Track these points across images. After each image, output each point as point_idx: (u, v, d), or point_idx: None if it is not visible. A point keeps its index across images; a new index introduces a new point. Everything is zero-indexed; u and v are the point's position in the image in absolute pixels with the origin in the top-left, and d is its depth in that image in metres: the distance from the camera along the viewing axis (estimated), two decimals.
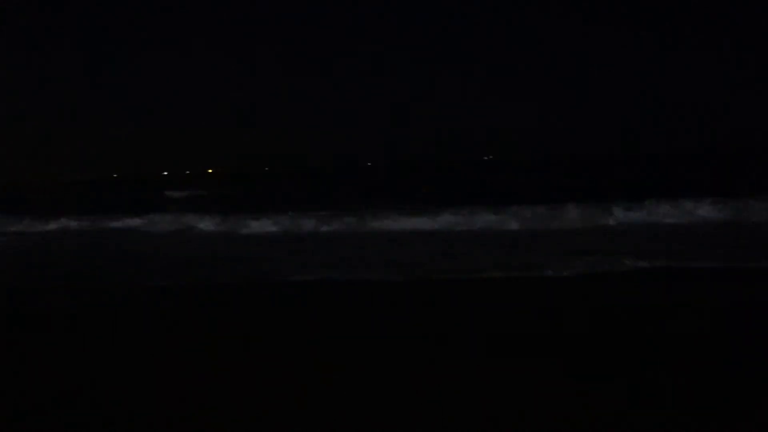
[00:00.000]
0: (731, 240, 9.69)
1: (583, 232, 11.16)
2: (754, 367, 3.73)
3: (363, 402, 3.42)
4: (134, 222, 15.33)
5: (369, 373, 3.90)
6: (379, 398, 3.46)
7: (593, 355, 4.13)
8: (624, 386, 3.50)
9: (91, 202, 27.52)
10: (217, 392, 3.63)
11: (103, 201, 27.76)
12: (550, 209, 12.80)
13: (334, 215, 13.99)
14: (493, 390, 3.50)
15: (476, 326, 5.04)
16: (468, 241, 10.96)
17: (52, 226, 16.15)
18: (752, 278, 6.67)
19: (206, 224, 14.04)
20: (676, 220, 11.85)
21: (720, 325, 4.81)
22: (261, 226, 13.41)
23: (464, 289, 6.81)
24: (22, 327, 5.68)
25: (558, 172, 40.43)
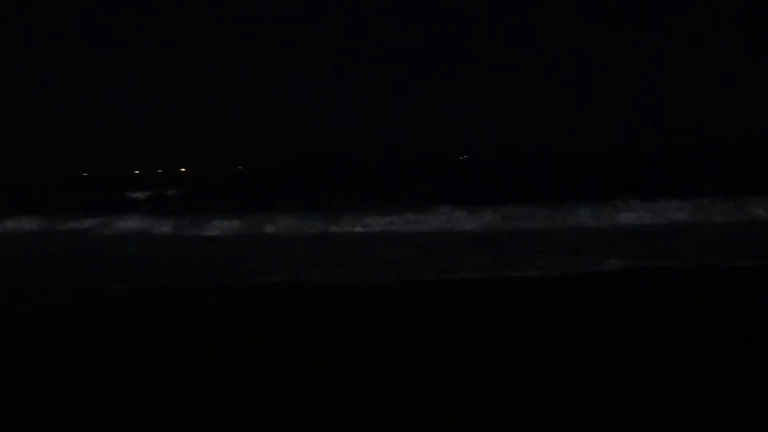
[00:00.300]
0: (704, 240, 9.72)
1: (561, 232, 11.21)
2: (733, 364, 3.82)
3: (341, 404, 3.39)
4: (87, 223, 14.64)
5: (348, 375, 3.87)
6: (359, 400, 3.44)
7: (575, 354, 4.14)
8: (607, 385, 3.53)
9: (49, 202, 26.53)
10: (181, 394, 3.61)
11: (60, 201, 26.77)
12: (529, 209, 12.78)
13: (306, 216, 13.53)
14: (477, 391, 3.51)
15: (456, 327, 5.00)
16: (445, 241, 10.77)
17: (5, 226, 15.37)
18: (731, 277, 6.78)
19: (164, 226, 13.39)
20: (650, 221, 11.90)
21: (699, 323, 4.87)
22: (221, 227, 12.86)
23: (442, 291, 6.67)
24: None
25: (537, 171, 40.52)
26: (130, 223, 14.15)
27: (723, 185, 15.75)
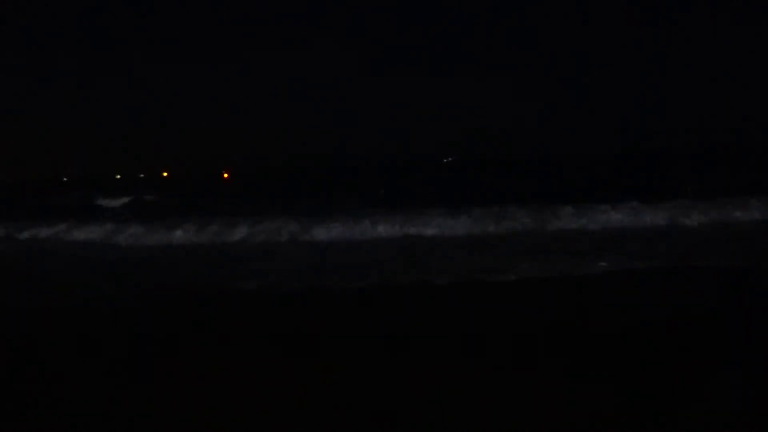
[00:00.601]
0: (687, 241, 9.54)
1: (547, 234, 10.93)
2: (724, 364, 3.80)
3: (326, 411, 3.31)
4: (47, 231, 13.80)
5: (334, 381, 3.78)
6: (346, 405, 3.38)
7: (564, 356, 4.08)
8: (599, 386, 3.47)
9: (16, 208, 25.63)
10: (151, 405, 3.51)
11: (26, 207, 25.88)
12: (514, 211, 12.39)
13: (287, 220, 12.82)
14: (467, 393, 3.46)
15: (441, 332, 4.88)
16: (431, 244, 10.39)
17: None
18: (719, 278, 6.69)
19: (126, 234, 12.63)
20: (623, 224, 11.56)
21: (688, 324, 4.77)
22: (186, 235, 12.16)
23: (428, 295, 6.48)
24: None
25: (522, 173, 40.33)
26: (91, 231, 13.33)
27: (707, 187, 15.71)
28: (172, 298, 6.82)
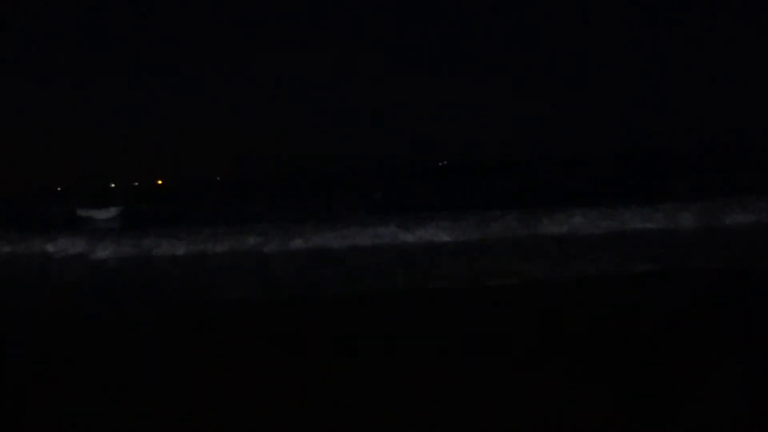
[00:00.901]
0: (678, 243, 9.47)
1: (537, 236, 10.82)
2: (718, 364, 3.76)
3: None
4: (25, 245, 13.25)
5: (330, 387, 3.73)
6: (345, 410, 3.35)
7: (560, 358, 4.05)
8: (588, 386, 3.46)
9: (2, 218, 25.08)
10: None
11: (5, 219, 25.31)
12: (508, 214, 12.18)
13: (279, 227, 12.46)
14: (458, 395, 3.46)
15: (437, 337, 4.81)
16: (428, 250, 10.23)
17: None
18: (712, 280, 6.60)
19: (104, 248, 12.07)
20: (622, 225, 11.35)
21: (679, 327, 4.71)
22: (171, 247, 11.65)
23: (424, 300, 6.38)
24: None
25: (514, 176, 40.03)
26: (69, 244, 12.76)
27: (707, 188, 15.65)
28: (151, 309, 6.64)
